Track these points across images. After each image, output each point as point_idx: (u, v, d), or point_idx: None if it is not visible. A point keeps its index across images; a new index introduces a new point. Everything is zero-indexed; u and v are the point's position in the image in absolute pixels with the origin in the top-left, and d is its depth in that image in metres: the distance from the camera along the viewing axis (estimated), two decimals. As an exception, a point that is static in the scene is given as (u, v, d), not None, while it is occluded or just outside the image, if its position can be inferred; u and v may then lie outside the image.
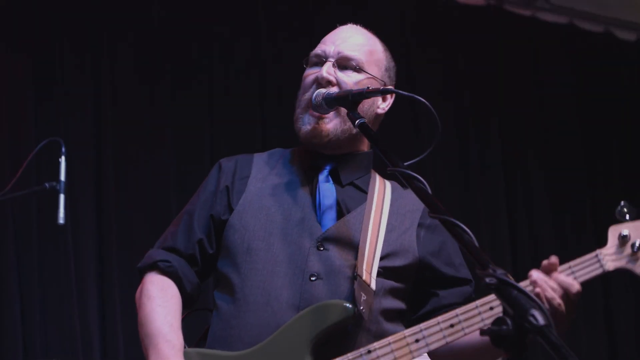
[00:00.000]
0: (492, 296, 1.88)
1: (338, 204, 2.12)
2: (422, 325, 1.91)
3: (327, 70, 2.13)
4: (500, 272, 1.45)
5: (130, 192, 4.75)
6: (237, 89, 5.13)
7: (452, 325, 1.90)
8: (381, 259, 2.06)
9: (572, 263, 1.91)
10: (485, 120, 6.04)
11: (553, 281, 1.89)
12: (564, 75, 6.38)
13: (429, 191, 1.74)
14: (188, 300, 2.10)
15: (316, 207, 2.10)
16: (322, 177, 2.15)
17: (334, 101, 2.09)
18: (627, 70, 6.62)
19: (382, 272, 2.06)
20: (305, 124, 2.13)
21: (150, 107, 4.92)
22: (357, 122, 1.98)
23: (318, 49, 2.18)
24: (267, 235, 2.06)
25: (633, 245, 1.87)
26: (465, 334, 1.91)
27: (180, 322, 2.03)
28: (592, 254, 1.92)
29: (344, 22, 2.28)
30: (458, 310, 1.92)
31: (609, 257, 1.91)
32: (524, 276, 1.94)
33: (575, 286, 1.91)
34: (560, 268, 1.92)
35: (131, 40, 4.97)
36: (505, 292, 1.40)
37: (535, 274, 1.90)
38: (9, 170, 4.25)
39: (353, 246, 2.05)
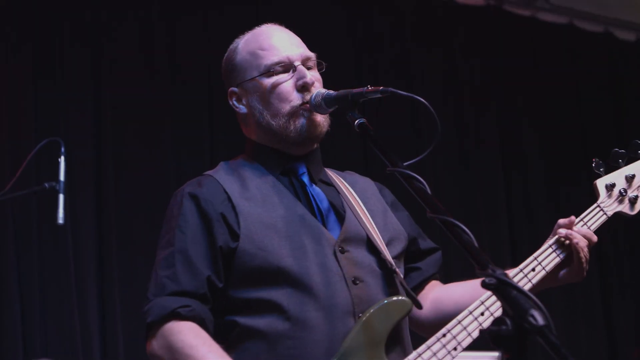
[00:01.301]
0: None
1: (331, 204, 2.14)
2: (482, 298, 1.97)
3: (311, 74, 2.17)
4: (499, 272, 1.45)
5: (130, 192, 4.75)
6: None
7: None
8: (387, 248, 2.12)
9: (582, 216, 2.14)
10: (484, 120, 6.04)
11: (579, 234, 2.10)
12: (564, 75, 6.38)
13: (429, 191, 1.74)
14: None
15: (315, 212, 2.11)
16: (305, 180, 2.16)
17: (334, 101, 2.09)
18: (627, 70, 6.63)
19: (396, 261, 2.12)
20: (310, 125, 2.14)
21: (150, 107, 4.92)
22: (356, 122, 1.97)
23: (277, 57, 2.15)
24: (289, 251, 2.01)
25: (620, 191, 2.17)
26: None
27: None
28: (594, 206, 2.16)
29: (258, 24, 2.29)
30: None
31: (605, 205, 2.16)
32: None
33: (594, 236, 2.13)
34: (575, 220, 2.13)
35: (131, 41, 4.97)
36: (505, 292, 1.40)
37: (564, 230, 2.10)
38: (8, 170, 4.25)
39: (364, 242, 2.09)
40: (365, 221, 2.12)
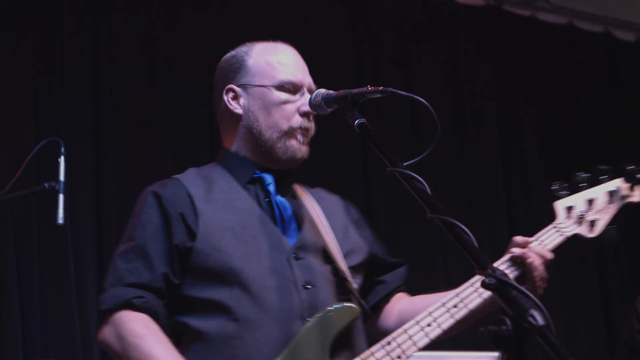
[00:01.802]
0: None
1: (294, 215, 2.19)
2: (431, 309, 2.04)
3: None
4: (499, 272, 1.46)
5: (129, 192, 4.72)
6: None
7: (455, 306, 2.05)
8: (344, 259, 2.17)
9: (538, 235, 2.16)
10: (484, 120, 6.04)
11: (533, 252, 2.12)
12: (563, 75, 6.38)
13: (428, 191, 1.74)
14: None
15: (277, 220, 2.15)
16: (271, 189, 2.20)
17: (334, 101, 2.10)
18: (627, 70, 6.63)
19: (352, 272, 2.18)
20: (297, 150, 2.21)
21: (150, 107, 4.92)
22: (356, 122, 1.98)
23: (293, 77, 2.23)
24: (244, 254, 2.06)
25: (580, 213, 2.19)
26: (469, 309, 2.06)
27: None
28: (550, 226, 2.19)
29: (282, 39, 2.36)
30: (456, 290, 2.08)
31: (562, 226, 2.19)
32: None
33: (550, 254, 2.15)
34: (530, 240, 2.17)
35: (132, 40, 4.97)
36: (505, 292, 1.41)
37: (517, 250, 2.12)
38: (8, 170, 4.25)
39: (320, 252, 2.15)
40: (324, 233, 2.18)
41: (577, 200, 2.21)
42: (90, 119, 4.76)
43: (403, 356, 1.99)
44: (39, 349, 4.30)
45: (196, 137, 5.01)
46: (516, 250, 2.12)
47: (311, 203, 2.26)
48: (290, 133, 2.20)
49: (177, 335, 2.05)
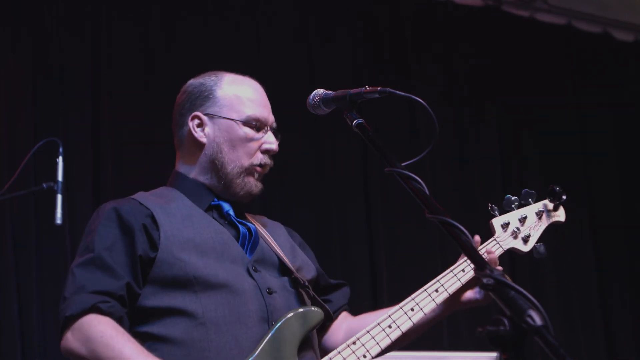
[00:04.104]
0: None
1: (249, 233, 2.25)
2: (390, 311, 2.16)
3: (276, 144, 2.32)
4: (497, 272, 1.45)
5: (127, 192, 4.72)
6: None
7: (412, 309, 2.17)
8: (298, 273, 2.26)
9: (480, 247, 2.32)
10: (483, 121, 6.04)
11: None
12: (562, 76, 6.38)
13: (427, 192, 1.74)
14: None
15: (240, 238, 2.22)
16: (231, 213, 2.27)
17: (332, 101, 2.10)
18: (625, 70, 6.63)
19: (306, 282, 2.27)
20: (253, 186, 2.28)
21: (149, 107, 4.92)
22: (354, 122, 1.98)
23: (260, 115, 2.29)
24: (206, 263, 2.09)
25: (514, 229, 2.39)
26: (425, 313, 2.19)
27: None
28: (491, 239, 2.37)
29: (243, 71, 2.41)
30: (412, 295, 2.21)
31: (501, 239, 2.37)
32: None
33: (496, 261, 2.28)
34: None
35: (130, 41, 4.97)
36: (503, 292, 1.40)
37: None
38: (6, 170, 4.25)
39: (276, 267, 2.23)
40: (276, 250, 2.27)
41: (512, 217, 2.42)
42: (88, 120, 4.76)
43: (368, 355, 2.08)
44: (37, 349, 4.30)
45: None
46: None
47: (260, 227, 2.34)
48: (249, 170, 2.27)
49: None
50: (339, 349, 2.08)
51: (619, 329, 6.15)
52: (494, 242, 2.35)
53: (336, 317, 2.41)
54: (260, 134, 2.28)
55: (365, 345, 2.09)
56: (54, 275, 4.44)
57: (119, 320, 2.00)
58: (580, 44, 6.47)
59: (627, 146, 6.48)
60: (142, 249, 2.08)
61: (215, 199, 2.27)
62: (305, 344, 2.11)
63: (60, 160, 3.71)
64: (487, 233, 6.45)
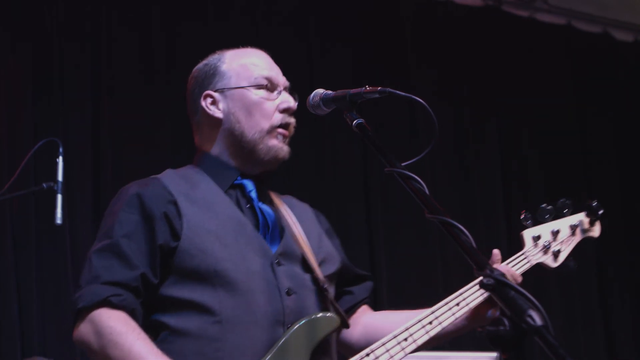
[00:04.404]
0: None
1: (275, 221, 2.19)
2: (408, 324, 2.07)
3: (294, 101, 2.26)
4: (497, 272, 1.45)
5: (128, 192, 4.75)
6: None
7: (430, 323, 2.09)
8: (320, 268, 2.18)
9: (508, 261, 2.25)
10: (483, 121, 6.04)
11: (505, 270, 2.12)
12: (562, 76, 6.38)
13: (427, 192, 1.74)
14: None
15: (260, 227, 2.15)
16: (253, 196, 2.20)
17: (332, 101, 2.09)
18: (625, 71, 6.63)
19: (327, 281, 2.19)
20: (279, 149, 2.21)
21: (148, 108, 4.92)
22: (355, 122, 1.98)
23: (268, 73, 2.26)
24: (228, 256, 2.05)
25: (545, 244, 2.30)
26: (443, 327, 2.10)
27: None
28: (520, 253, 2.28)
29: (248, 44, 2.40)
30: (434, 307, 2.11)
31: (530, 254, 2.29)
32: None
33: (519, 276, 2.21)
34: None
35: (130, 41, 4.97)
36: (503, 292, 1.41)
37: None
38: (6, 170, 4.25)
39: (299, 259, 2.15)
40: (301, 241, 2.18)
41: (544, 230, 2.32)
42: (88, 120, 4.76)
43: None
44: (37, 348, 4.29)
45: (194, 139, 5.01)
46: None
47: (286, 210, 2.27)
48: (271, 132, 2.20)
49: (154, 335, 2.02)
50: None
51: (619, 329, 6.15)
52: (522, 256, 2.28)
53: (354, 311, 2.34)
54: (274, 95, 2.24)
55: (379, 358, 2.03)
56: (54, 275, 4.44)
57: (132, 313, 1.98)
58: (580, 44, 6.46)
59: (627, 146, 6.48)
60: (162, 238, 2.04)
61: (239, 178, 2.22)
62: (320, 351, 2.05)
63: (60, 160, 3.70)
64: (487, 231, 6.40)
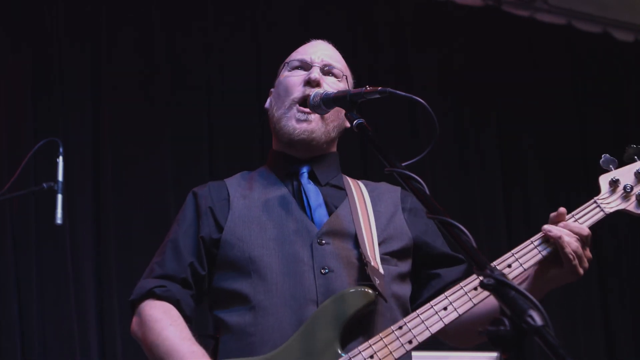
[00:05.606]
0: None
1: (325, 201, 2.18)
2: (447, 292, 1.97)
3: (318, 72, 2.23)
4: (498, 272, 1.45)
5: (128, 192, 4.75)
6: (235, 88, 5.13)
7: (475, 288, 1.95)
8: (379, 245, 2.12)
9: (574, 212, 2.05)
10: (483, 120, 6.04)
11: (565, 228, 2.02)
12: (562, 76, 6.38)
13: (427, 191, 1.74)
14: (188, 323, 2.08)
15: (305, 207, 2.16)
16: (303, 179, 2.22)
17: (332, 101, 2.10)
18: (625, 71, 6.63)
19: (385, 258, 2.11)
20: (293, 120, 2.19)
21: (148, 108, 4.92)
22: (355, 122, 1.98)
23: (300, 56, 2.29)
24: (265, 241, 2.09)
25: (625, 187, 2.05)
26: (480, 300, 1.96)
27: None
28: (591, 201, 2.07)
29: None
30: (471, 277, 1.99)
31: (605, 202, 2.06)
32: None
33: (585, 229, 2.04)
34: (565, 215, 2.06)
35: (130, 41, 4.97)
36: (503, 292, 1.40)
37: (546, 226, 2.04)
38: (6, 170, 4.25)
39: (351, 237, 2.11)
40: (360, 219, 2.13)
41: (624, 173, 2.08)
42: (89, 119, 4.76)
43: (414, 341, 1.93)
44: (37, 349, 4.30)
45: (195, 138, 5.01)
46: (545, 227, 2.03)
47: (360, 193, 2.23)
48: (290, 108, 2.21)
49: (214, 329, 2.11)
50: (381, 334, 1.94)
51: (619, 329, 6.14)
52: (594, 205, 2.06)
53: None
54: (298, 72, 2.27)
55: (412, 330, 1.93)
56: (54, 275, 4.44)
57: (176, 303, 2.07)
58: (580, 44, 6.46)
59: (627, 146, 6.47)
60: (205, 231, 2.14)
61: (295, 166, 2.24)
62: (355, 324, 1.99)
63: (60, 160, 3.71)
64: (487, 231, 6.41)
